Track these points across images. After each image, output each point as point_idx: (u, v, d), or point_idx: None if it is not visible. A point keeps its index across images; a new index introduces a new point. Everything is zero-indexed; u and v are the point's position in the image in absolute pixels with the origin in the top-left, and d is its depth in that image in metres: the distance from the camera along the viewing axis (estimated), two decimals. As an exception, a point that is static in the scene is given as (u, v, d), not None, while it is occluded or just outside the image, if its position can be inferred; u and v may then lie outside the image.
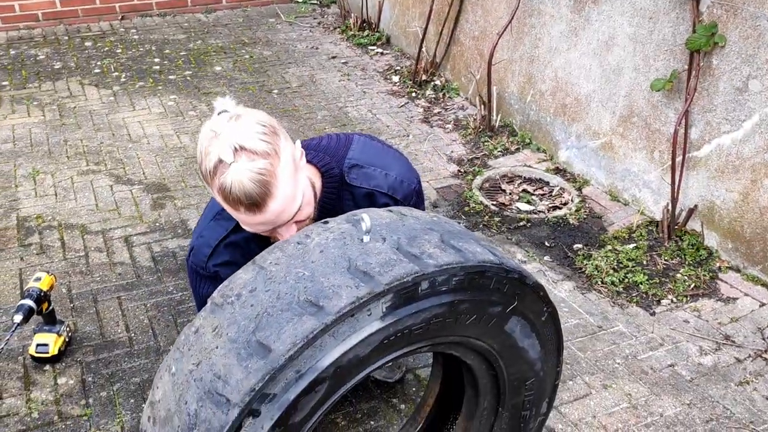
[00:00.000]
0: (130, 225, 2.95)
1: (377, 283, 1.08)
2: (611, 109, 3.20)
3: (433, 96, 4.35)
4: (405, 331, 1.14)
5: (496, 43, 3.67)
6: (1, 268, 2.64)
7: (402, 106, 4.24)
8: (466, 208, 3.22)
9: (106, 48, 5.00)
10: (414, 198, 1.66)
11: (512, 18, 3.58)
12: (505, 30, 3.62)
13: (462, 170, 3.55)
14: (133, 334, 2.33)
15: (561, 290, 2.70)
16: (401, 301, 1.11)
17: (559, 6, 3.36)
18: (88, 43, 5.05)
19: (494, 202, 3.30)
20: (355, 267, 1.12)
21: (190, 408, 1.07)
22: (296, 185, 1.36)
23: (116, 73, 4.56)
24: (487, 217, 3.16)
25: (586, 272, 2.79)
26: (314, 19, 5.74)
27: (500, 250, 1.33)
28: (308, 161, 1.52)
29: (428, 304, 1.15)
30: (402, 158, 1.69)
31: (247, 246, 1.56)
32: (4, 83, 4.37)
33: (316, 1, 6.04)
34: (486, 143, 3.78)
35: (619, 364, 2.31)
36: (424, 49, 4.50)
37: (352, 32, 5.30)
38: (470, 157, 3.68)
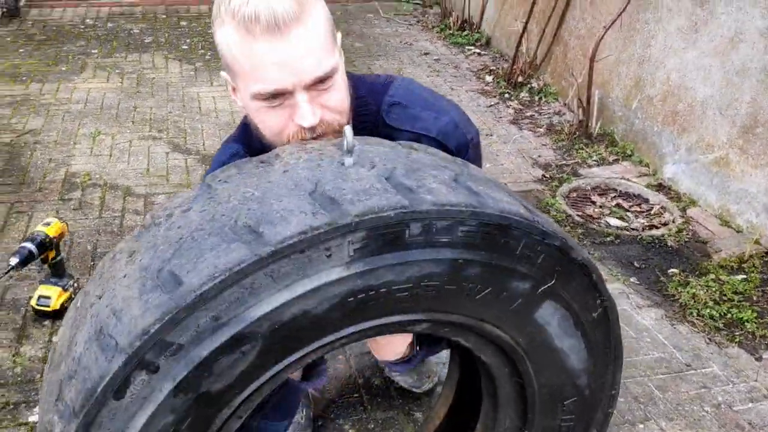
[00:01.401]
0: (176, 192, 2.78)
1: (344, 213, 0.77)
2: (730, 117, 2.73)
3: (528, 99, 3.98)
4: (382, 291, 0.82)
5: (602, 37, 3.27)
6: (32, 219, 2.53)
7: (491, 105, 3.90)
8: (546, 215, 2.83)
9: (199, 28, 4.98)
10: (470, 151, 1.27)
11: (623, 10, 3.17)
12: (612, 23, 3.22)
13: (547, 176, 3.16)
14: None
15: (646, 317, 2.27)
16: (378, 244, 0.80)
17: (680, -3, 2.93)
18: (183, 23, 5.06)
19: (580, 213, 2.89)
20: (321, 192, 0.81)
21: (77, 350, 0.79)
22: (332, 49, 1.06)
23: (202, 51, 4.50)
24: (568, 227, 2.75)
25: (680, 301, 2.34)
26: (414, 17, 5.51)
27: (540, 212, 0.98)
28: None
29: (419, 256, 0.82)
30: (458, 107, 1.33)
31: None
32: (93, 51, 4.41)
33: (419, 1, 5.82)
34: (580, 151, 3.37)
35: (707, 412, 1.86)
36: (523, 49, 4.15)
37: (451, 31, 5.02)
38: (559, 163, 3.28)
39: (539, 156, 3.35)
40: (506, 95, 4.03)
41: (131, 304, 0.76)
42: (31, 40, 4.55)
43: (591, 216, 2.88)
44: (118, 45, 4.54)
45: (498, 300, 0.91)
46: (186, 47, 4.57)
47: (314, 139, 1.06)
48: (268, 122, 1.07)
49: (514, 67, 4.14)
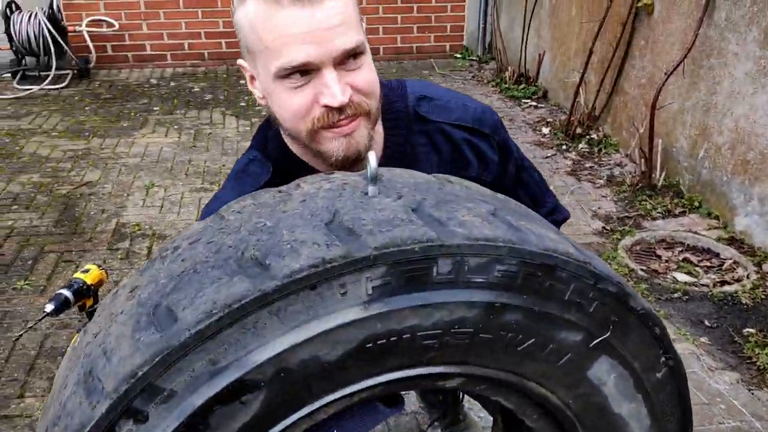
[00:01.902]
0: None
1: (362, 246, 0.68)
2: (808, 166, 2.54)
3: (587, 150, 3.84)
4: (406, 337, 0.72)
5: (663, 84, 3.14)
6: (79, 269, 2.53)
7: (548, 157, 3.78)
8: (606, 269, 2.66)
9: (258, 85, 5.08)
10: (502, 132, 1.19)
11: (685, 56, 3.04)
12: (675, 69, 3.09)
13: (608, 228, 3.00)
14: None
15: (719, 381, 2.06)
16: (401, 283, 0.70)
17: (746, 42, 2.79)
18: (242, 81, 5.18)
19: (644, 268, 2.71)
20: (338, 223, 0.72)
21: (65, 394, 0.71)
22: (360, 27, 0.99)
23: (259, 107, 4.57)
24: (632, 282, 2.58)
25: (758, 364, 2.13)
26: (469, 73, 5.49)
27: (593, 254, 0.86)
28: None
29: (449, 297, 0.71)
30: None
31: None
32: (154, 108, 4.54)
33: (475, 57, 5.81)
34: (643, 203, 3.20)
35: (794, 492, 1.64)
36: (581, 100, 4.04)
37: (507, 85, 4.96)
38: (621, 215, 3.12)
39: (599, 208, 3.19)
40: (564, 147, 3.91)
41: (122, 343, 0.68)
42: (98, 98, 4.73)
43: (656, 271, 2.69)
44: (179, 102, 4.66)
45: (543, 353, 0.79)
46: (243, 104, 4.66)
47: (344, 122, 0.98)
48: (292, 105, 0.99)
49: (572, 118, 4.02)
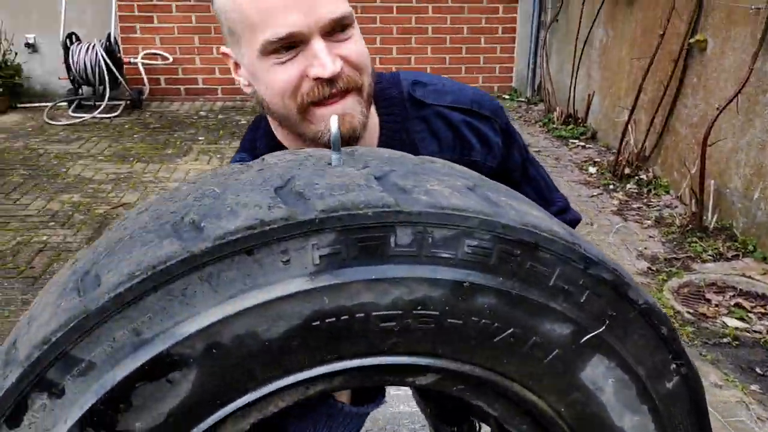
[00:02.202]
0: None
1: (308, 209, 0.61)
2: None
3: (636, 191, 3.69)
4: (359, 317, 0.63)
5: (715, 120, 2.99)
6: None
7: (593, 196, 3.65)
8: (649, 310, 2.49)
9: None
10: (503, 117, 1.11)
11: (739, 91, 2.90)
12: (727, 104, 2.95)
13: (653, 269, 2.83)
14: None
15: (771, 433, 1.87)
16: (352, 253, 0.62)
17: (804, 74, 2.64)
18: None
19: (691, 311, 2.53)
20: (290, 188, 0.65)
21: (-10, 366, 0.65)
22: None
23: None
24: (677, 324, 2.40)
25: (816, 416, 1.92)
26: (517, 113, 5.42)
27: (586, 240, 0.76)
28: None
29: (408, 272, 0.63)
30: None
31: None
32: (200, 138, 4.62)
33: (524, 99, 5.74)
34: (693, 245, 3.02)
35: None
36: (630, 140, 3.91)
37: (555, 125, 4.86)
38: (668, 257, 2.94)
39: (645, 248, 3.03)
40: (611, 187, 3.77)
41: (45, 310, 0.62)
42: (147, 127, 4.86)
43: (704, 314, 2.51)
44: (225, 133, 4.75)
45: (525, 348, 0.69)
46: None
47: (336, 97, 0.93)
48: (279, 81, 0.93)
49: (620, 158, 3.89)
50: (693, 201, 3.18)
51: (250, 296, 0.61)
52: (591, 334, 0.69)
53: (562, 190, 3.52)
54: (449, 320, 0.66)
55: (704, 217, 3.13)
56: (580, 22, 4.80)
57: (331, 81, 0.92)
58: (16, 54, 5.38)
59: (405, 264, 0.63)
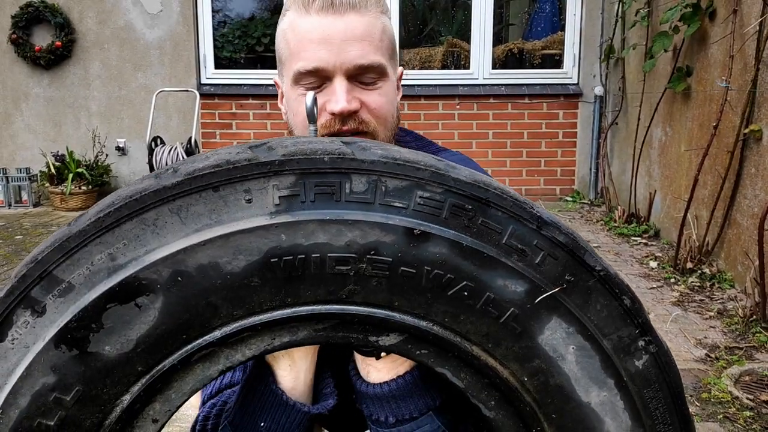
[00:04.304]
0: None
1: (271, 154, 0.68)
2: None
3: (698, 284, 3.56)
4: (315, 257, 0.68)
5: (771, 204, 2.92)
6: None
7: (653, 288, 3.54)
8: (705, 395, 2.36)
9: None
10: None
11: (794, 175, 2.84)
12: (783, 189, 2.88)
13: (713, 356, 2.69)
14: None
15: None
16: (310, 195, 0.68)
17: None
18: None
19: (750, 397, 2.37)
20: (263, 145, 0.73)
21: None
22: (385, 54, 1.03)
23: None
24: (733, 409, 2.26)
25: None
26: (579, 213, 5.40)
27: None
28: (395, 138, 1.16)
29: (361, 216, 0.68)
30: None
31: None
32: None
33: (586, 201, 5.74)
34: (758, 335, 2.87)
35: None
36: (693, 234, 3.82)
37: (616, 224, 4.81)
38: (730, 345, 2.80)
39: (705, 337, 2.89)
40: (672, 280, 3.66)
41: (47, 237, 0.70)
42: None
43: (765, 402, 2.34)
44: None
45: (480, 304, 0.71)
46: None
47: (346, 134, 0.99)
48: (302, 110, 1.00)
49: (680, 252, 3.79)
50: (756, 291, 3.04)
51: (214, 231, 0.67)
52: (547, 294, 0.71)
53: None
54: (402, 268, 0.69)
55: (769, 308, 2.98)
56: (638, 123, 4.86)
57: (344, 120, 1.00)
58: (107, 155, 5.88)
59: (359, 210, 0.68)
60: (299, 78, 1.01)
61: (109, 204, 0.66)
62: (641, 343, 0.75)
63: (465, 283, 0.70)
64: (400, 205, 0.69)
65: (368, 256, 0.69)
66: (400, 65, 1.13)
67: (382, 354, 0.87)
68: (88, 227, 0.65)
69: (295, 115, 1.05)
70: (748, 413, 2.22)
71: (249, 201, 0.67)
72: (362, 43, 1.00)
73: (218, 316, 0.69)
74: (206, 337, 0.70)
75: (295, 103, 1.04)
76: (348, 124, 1.01)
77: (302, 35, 1.01)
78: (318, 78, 1.01)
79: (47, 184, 5.73)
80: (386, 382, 0.89)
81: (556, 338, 0.73)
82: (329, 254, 0.68)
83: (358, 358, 0.90)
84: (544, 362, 0.73)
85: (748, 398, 2.34)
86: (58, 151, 5.81)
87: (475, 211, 0.69)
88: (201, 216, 0.67)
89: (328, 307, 0.71)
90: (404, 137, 1.19)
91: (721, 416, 2.21)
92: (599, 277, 0.72)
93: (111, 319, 0.66)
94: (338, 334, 0.74)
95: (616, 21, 5.26)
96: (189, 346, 0.69)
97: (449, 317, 0.72)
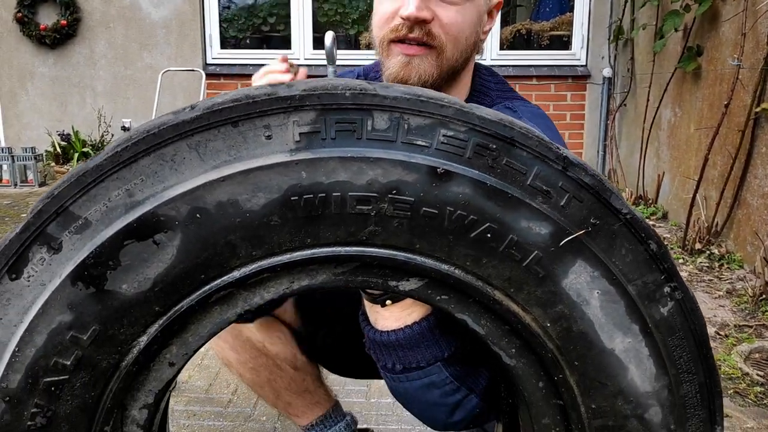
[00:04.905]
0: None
1: (292, 89, 0.66)
2: None
3: (707, 265, 3.54)
4: (336, 195, 0.67)
5: (783, 182, 2.89)
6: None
7: (661, 268, 3.52)
8: (715, 371, 2.34)
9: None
10: None
11: (807, 152, 2.81)
12: (796, 167, 2.85)
13: (722, 334, 2.68)
14: (236, 398, 2.01)
15: None
16: (331, 132, 0.66)
17: None
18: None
19: (761, 373, 2.36)
20: (283, 83, 0.71)
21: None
22: None
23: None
24: (744, 384, 2.25)
25: None
26: (587, 195, 5.37)
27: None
28: (476, 69, 1.16)
29: (383, 154, 0.67)
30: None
31: None
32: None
33: (594, 183, 5.70)
34: (767, 313, 2.85)
35: None
36: (702, 215, 3.80)
37: (624, 205, 4.79)
38: (739, 323, 2.78)
39: (714, 316, 2.87)
40: (680, 261, 3.63)
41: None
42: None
43: (777, 378, 2.33)
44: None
45: (503, 247, 0.69)
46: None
47: (412, 42, 0.99)
48: (380, 11, 1.03)
49: (689, 232, 3.77)
50: (766, 270, 3.02)
51: (233, 166, 0.65)
52: (571, 237, 0.70)
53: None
54: (424, 209, 0.68)
55: (779, 287, 2.96)
56: (647, 104, 4.81)
57: (411, 26, 0.99)
58: (112, 135, 5.86)
59: (381, 148, 0.67)
60: None
61: (127, 139, 0.65)
62: (667, 289, 0.74)
63: (488, 224, 0.69)
64: (423, 143, 0.67)
65: (390, 196, 0.67)
66: None
67: (387, 302, 0.85)
68: (104, 162, 0.64)
69: (375, 16, 1.06)
70: (758, 389, 2.21)
71: (269, 137, 0.66)
72: None
73: (237, 256, 0.68)
74: (225, 278, 0.69)
75: (378, 4, 1.05)
76: (415, 31, 1.01)
77: None
78: None
79: (53, 164, 5.72)
80: (393, 330, 0.87)
81: (581, 282, 0.71)
82: (350, 193, 0.67)
83: (366, 305, 0.89)
84: (568, 307, 0.72)
85: (758, 374, 2.33)
86: (63, 131, 5.79)
87: (500, 151, 0.68)
88: (220, 152, 0.65)
89: (348, 249, 0.70)
90: (485, 75, 1.17)
91: (731, 391, 2.20)
92: (625, 221, 0.71)
93: (128, 257, 0.65)
94: (358, 278, 0.73)
95: (626, 1, 5.21)
96: (207, 287, 0.68)
97: (471, 260, 0.70)
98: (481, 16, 1.06)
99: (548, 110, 5.76)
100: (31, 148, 5.80)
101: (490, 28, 1.12)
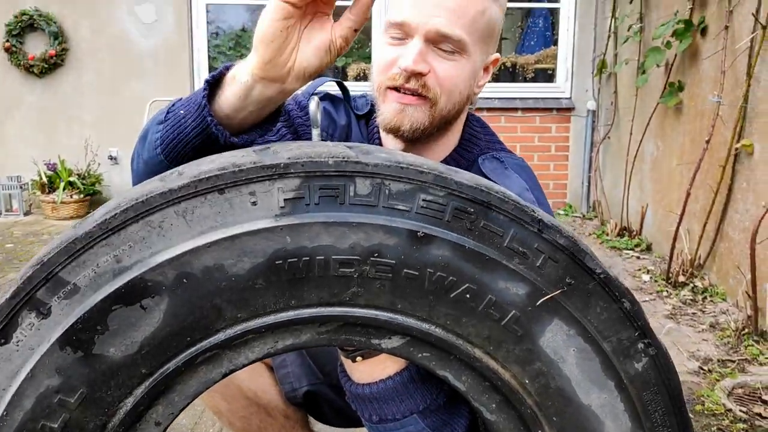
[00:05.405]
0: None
1: (276, 157, 0.69)
2: None
3: (690, 298, 3.58)
4: (320, 259, 0.69)
5: (761, 219, 2.94)
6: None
7: (645, 301, 3.55)
8: (698, 407, 2.37)
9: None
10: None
11: (785, 188, 2.87)
12: (774, 203, 2.91)
13: (706, 369, 2.70)
14: (223, 437, 2.00)
15: None
16: (315, 198, 0.68)
17: None
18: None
19: (744, 410, 2.38)
20: (268, 149, 0.74)
21: None
22: (473, 36, 1.06)
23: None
24: (727, 421, 2.27)
25: None
26: (571, 227, 5.42)
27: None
28: (467, 119, 1.21)
29: (365, 219, 0.69)
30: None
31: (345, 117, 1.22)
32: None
33: (578, 215, 5.76)
34: (749, 348, 2.88)
35: None
36: (684, 248, 3.85)
37: (608, 237, 4.83)
38: (722, 358, 2.81)
39: (697, 350, 2.90)
40: (664, 293, 3.67)
41: (55, 239, 0.70)
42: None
43: (759, 414, 2.35)
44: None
45: (482, 307, 0.72)
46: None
47: (405, 92, 1.04)
48: (380, 57, 1.08)
49: (672, 265, 3.81)
50: (748, 304, 3.06)
51: (220, 232, 0.67)
52: (548, 296, 0.72)
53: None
54: (405, 270, 0.70)
55: (760, 321, 2.99)
56: (630, 137, 4.90)
57: (408, 77, 1.04)
58: (99, 164, 5.87)
59: (363, 212, 0.69)
60: (388, 27, 1.07)
61: (115, 206, 0.66)
62: (641, 345, 0.76)
63: (467, 285, 0.71)
64: (404, 207, 0.69)
65: (372, 259, 0.69)
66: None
67: (358, 359, 0.87)
68: (94, 229, 0.66)
69: (375, 60, 1.11)
70: (741, 425, 2.23)
71: (254, 203, 0.68)
72: (450, 14, 1.03)
73: (222, 319, 0.69)
74: (210, 340, 0.70)
75: (379, 48, 1.10)
76: (411, 82, 1.05)
77: None
78: (402, 32, 1.06)
79: (38, 193, 5.71)
80: (368, 384, 0.89)
81: (557, 341, 0.73)
82: (333, 256, 0.69)
83: (342, 358, 0.91)
84: (545, 365, 0.74)
85: (741, 410, 2.35)
86: (50, 160, 5.79)
87: (477, 214, 0.70)
88: (206, 218, 0.67)
89: (331, 309, 0.71)
90: (475, 126, 1.22)
91: (715, 428, 2.22)
92: (599, 280, 0.73)
93: (116, 321, 0.67)
94: (341, 337, 0.75)
95: (609, 36, 5.32)
96: (193, 349, 0.70)
97: (451, 320, 0.73)
98: (476, 72, 1.10)
99: (533, 142, 5.85)
100: (17, 176, 5.79)
101: (485, 83, 1.16)
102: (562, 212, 5.83)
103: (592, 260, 0.73)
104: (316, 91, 1.17)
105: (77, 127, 6.02)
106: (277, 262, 0.68)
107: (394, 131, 1.08)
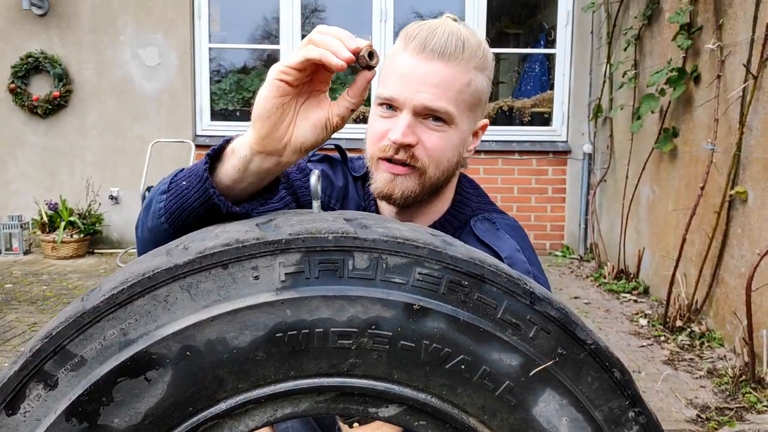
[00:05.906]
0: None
1: (278, 233, 0.72)
2: None
3: (688, 343, 3.59)
4: (319, 331, 0.71)
5: (757, 265, 2.97)
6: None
7: (643, 346, 3.56)
8: (697, 456, 2.36)
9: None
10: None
11: (779, 236, 2.91)
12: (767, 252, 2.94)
13: (704, 417, 2.70)
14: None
15: None
16: (314, 272, 0.71)
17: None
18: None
19: (743, 459, 2.37)
20: (270, 223, 0.77)
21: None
22: (459, 107, 1.10)
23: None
24: (725, 472, 2.26)
25: None
26: (569, 269, 5.44)
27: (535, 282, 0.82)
28: (459, 181, 1.24)
29: (363, 292, 0.71)
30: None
31: (342, 179, 1.25)
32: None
33: (576, 256, 5.79)
34: (747, 395, 2.88)
35: None
36: (681, 292, 3.86)
37: (606, 280, 4.85)
38: (720, 406, 2.81)
39: (695, 397, 2.90)
40: (661, 338, 3.68)
41: (60, 315, 0.73)
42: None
43: (759, 464, 2.35)
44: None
45: (476, 377, 0.74)
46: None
47: (396, 162, 1.09)
48: (373, 129, 1.13)
49: (669, 310, 3.82)
50: (745, 351, 3.07)
51: (222, 306, 0.70)
52: (540, 367, 0.74)
53: (611, 339, 3.45)
54: (402, 342, 0.72)
55: (757, 368, 3.00)
56: (626, 181, 4.95)
57: (398, 149, 1.09)
58: (100, 204, 5.91)
59: (361, 286, 0.72)
60: (379, 100, 1.13)
61: (123, 281, 0.69)
62: (631, 414, 0.77)
63: (462, 356, 0.73)
64: (400, 281, 0.72)
65: (369, 331, 0.72)
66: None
67: (355, 425, 0.89)
68: (101, 304, 0.68)
69: (369, 131, 1.15)
70: (739, 476, 2.23)
71: (256, 278, 0.70)
72: (435, 89, 1.08)
73: (224, 389, 0.71)
74: (212, 410, 0.72)
75: (372, 120, 1.15)
76: (400, 153, 1.10)
77: (393, 66, 1.12)
78: (393, 106, 1.11)
79: (39, 232, 5.73)
80: None
81: (550, 410, 0.75)
82: (332, 329, 0.71)
83: (339, 422, 0.93)
84: (538, 435, 0.76)
85: (739, 460, 2.35)
86: (51, 200, 5.83)
87: (471, 287, 0.73)
88: (210, 292, 0.70)
89: (329, 380, 0.74)
90: (467, 187, 1.26)
91: (712, 479, 2.22)
92: (590, 351, 0.75)
93: (121, 393, 0.69)
94: (339, 405, 0.76)
95: (604, 82, 5.41)
96: (195, 419, 0.72)
97: (447, 390, 0.74)
98: (464, 139, 1.15)
99: (530, 184, 5.90)
100: (18, 216, 5.82)
101: (475, 147, 1.20)
102: (559, 254, 5.85)
103: (583, 331, 0.75)
104: (313, 154, 1.21)
105: (79, 167, 6.08)
106: (277, 335, 0.70)
107: (387, 198, 1.13)
